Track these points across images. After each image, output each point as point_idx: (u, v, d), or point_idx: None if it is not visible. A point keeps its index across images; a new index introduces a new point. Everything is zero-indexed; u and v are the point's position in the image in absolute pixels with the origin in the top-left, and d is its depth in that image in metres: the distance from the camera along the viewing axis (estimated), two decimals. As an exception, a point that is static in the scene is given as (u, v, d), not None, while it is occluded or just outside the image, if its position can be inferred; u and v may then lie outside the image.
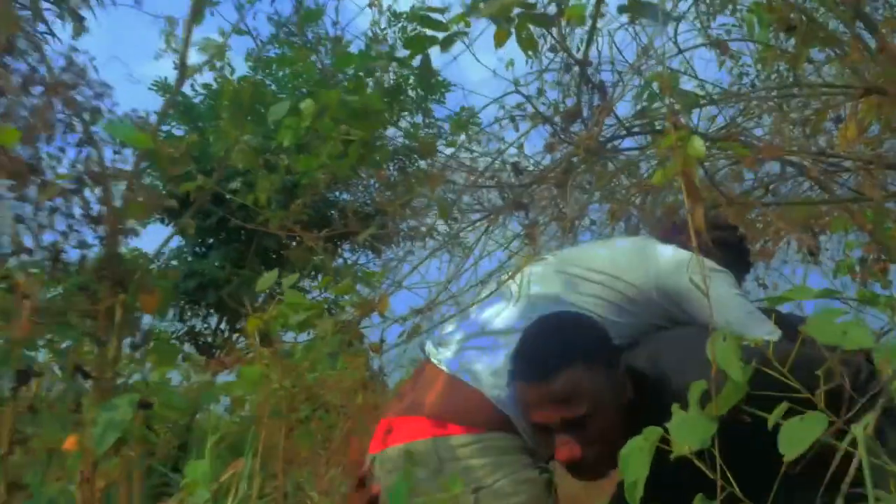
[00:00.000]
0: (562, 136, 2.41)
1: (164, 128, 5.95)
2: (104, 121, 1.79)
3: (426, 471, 1.47)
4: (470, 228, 3.08)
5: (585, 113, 2.74)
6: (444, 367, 1.59)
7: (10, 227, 1.57)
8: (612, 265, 1.66)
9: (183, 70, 1.85)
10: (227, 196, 2.60)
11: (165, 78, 5.82)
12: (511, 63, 2.91)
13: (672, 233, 1.89)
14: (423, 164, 6.53)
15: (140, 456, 2.04)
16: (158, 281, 1.89)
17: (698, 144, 1.38)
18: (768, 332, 1.48)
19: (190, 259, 5.57)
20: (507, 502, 1.45)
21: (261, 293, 2.78)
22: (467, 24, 1.88)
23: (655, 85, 2.85)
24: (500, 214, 2.90)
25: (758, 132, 3.20)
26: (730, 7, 3.00)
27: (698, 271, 1.47)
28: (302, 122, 2.53)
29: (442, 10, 2.21)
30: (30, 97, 1.83)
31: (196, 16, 1.96)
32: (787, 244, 3.59)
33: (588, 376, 1.43)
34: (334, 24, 3.38)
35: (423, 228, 3.77)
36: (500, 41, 2.19)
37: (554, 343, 1.48)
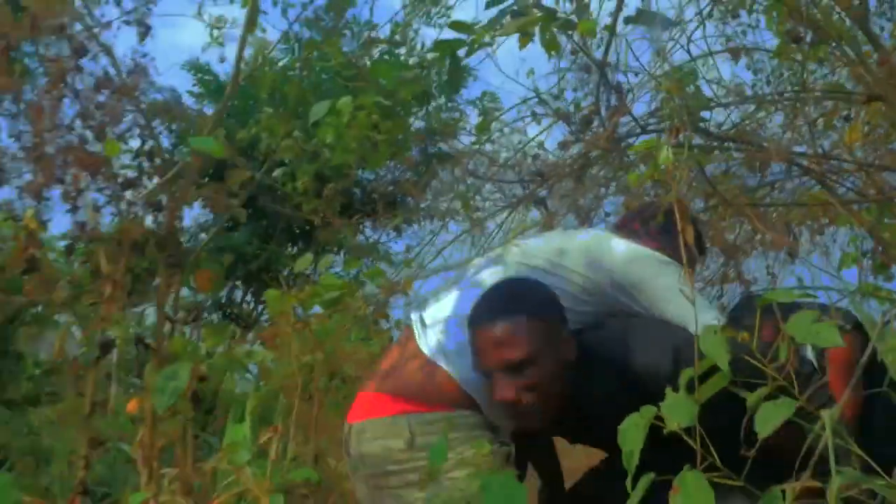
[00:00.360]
0: (578, 136, 2.59)
1: (195, 105, 6.17)
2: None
3: (400, 442, 1.66)
4: (491, 217, 3.27)
5: (603, 112, 2.93)
6: (423, 349, 1.75)
7: (88, 213, 1.78)
8: (569, 258, 1.79)
9: (237, 75, 2.04)
10: (272, 185, 2.81)
11: (197, 59, 6.03)
12: (532, 72, 3.07)
13: (627, 220, 2.02)
14: (444, 146, 6.70)
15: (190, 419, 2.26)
16: (211, 263, 2.11)
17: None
18: (712, 318, 1.59)
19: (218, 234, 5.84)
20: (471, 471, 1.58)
21: (297, 272, 2.99)
22: (491, 38, 2.06)
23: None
24: (520, 204, 3.09)
25: (769, 129, 3.36)
26: (744, 8, 3.14)
27: (649, 264, 1.73)
28: (341, 121, 2.74)
29: (470, 27, 2.40)
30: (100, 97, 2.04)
31: (251, 25, 2.15)
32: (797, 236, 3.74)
33: (529, 325, 1.57)
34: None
35: (444, 208, 3.96)
36: (523, 44, 2.38)
37: (501, 295, 1.67)
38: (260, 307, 6.19)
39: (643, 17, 1.91)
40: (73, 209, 1.75)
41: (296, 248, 6.20)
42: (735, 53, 2.87)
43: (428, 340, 1.74)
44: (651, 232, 1.88)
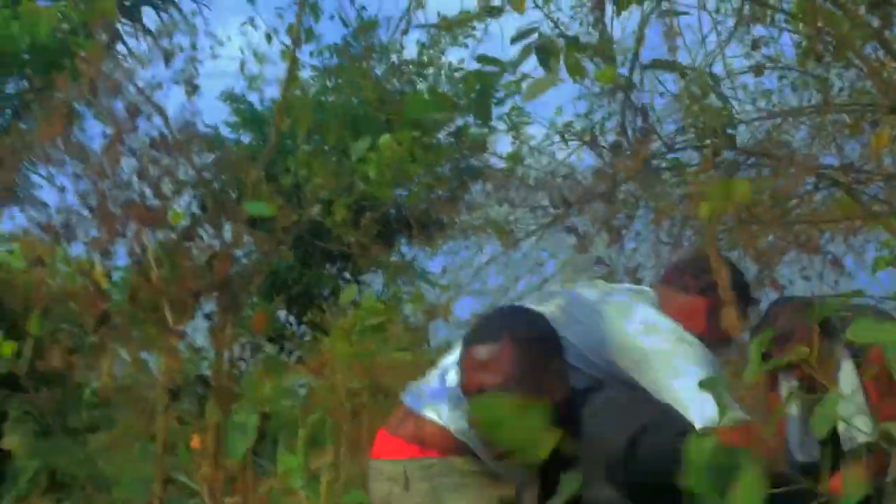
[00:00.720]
0: (607, 161, 2.67)
1: (232, 136, 6.36)
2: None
3: (397, 487, 1.70)
4: (524, 238, 3.36)
5: (629, 132, 3.01)
6: (410, 405, 1.75)
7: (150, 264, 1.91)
8: (589, 316, 1.70)
9: (278, 132, 2.17)
10: (311, 218, 2.95)
11: (233, 89, 6.24)
12: (560, 110, 3.17)
13: (677, 273, 1.88)
14: (475, 161, 6.81)
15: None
16: (264, 303, 2.24)
17: (743, 189, 1.63)
18: (704, 419, 1.45)
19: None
20: None
21: (344, 302, 3.12)
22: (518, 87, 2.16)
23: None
24: (551, 225, 3.18)
25: (796, 139, 3.41)
26: (764, 24, 3.20)
27: (665, 339, 1.61)
28: (381, 156, 2.87)
29: (501, 66, 2.50)
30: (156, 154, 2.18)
31: (292, 74, 2.28)
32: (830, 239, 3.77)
33: (512, 353, 1.48)
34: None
35: (477, 230, 4.07)
36: (551, 82, 2.48)
37: (495, 318, 1.63)
38: (302, 327, 6.37)
39: (661, 65, 1.99)
40: (137, 263, 1.89)
41: (335, 268, 6.36)
42: (758, 71, 2.94)
43: (428, 386, 1.76)
44: (702, 287, 1.76)
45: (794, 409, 2.11)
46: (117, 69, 2.20)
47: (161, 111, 2.18)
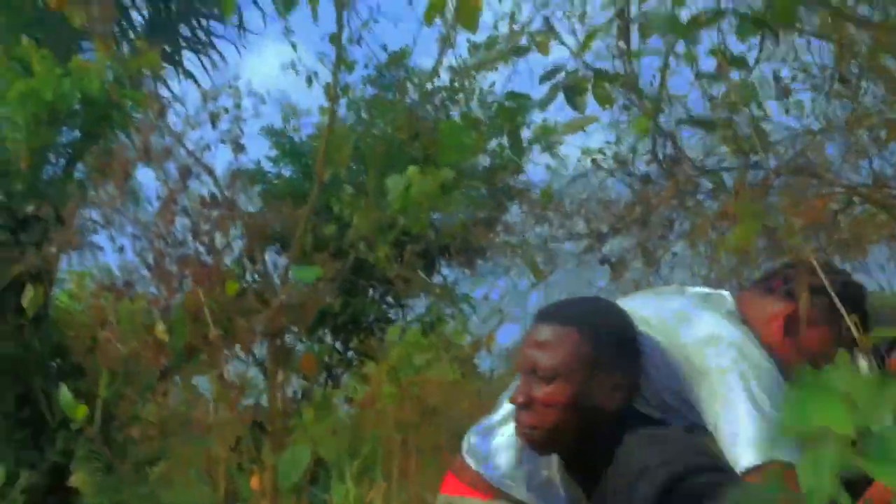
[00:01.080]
0: (638, 190, 2.73)
1: (273, 170, 6.54)
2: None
3: None
4: (556, 269, 3.43)
5: (660, 156, 3.06)
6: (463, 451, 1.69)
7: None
8: (655, 322, 1.55)
9: (321, 182, 2.28)
10: (353, 253, 3.06)
11: (272, 125, 6.43)
12: (587, 153, 3.23)
13: (768, 277, 1.67)
14: (510, 181, 6.89)
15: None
16: (314, 350, 2.35)
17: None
18: (752, 460, 1.31)
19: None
20: None
21: (389, 337, 3.23)
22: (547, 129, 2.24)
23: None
24: (586, 253, 3.25)
25: (826, 156, 3.41)
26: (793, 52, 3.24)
27: (726, 353, 1.42)
28: (410, 192, 2.97)
29: (530, 103, 2.59)
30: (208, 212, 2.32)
31: (331, 126, 2.40)
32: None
33: (577, 342, 1.36)
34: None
35: (514, 242, 4.14)
36: (588, 121, 2.56)
37: (567, 305, 1.49)
38: (349, 353, 6.51)
39: (695, 122, 2.05)
40: (195, 319, 2.01)
41: (378, 293, 6.48)
42: (785, 92, 2.97)
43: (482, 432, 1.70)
44: (787, 290, 1.56)
45: None
46: (168, 133, 2.34)
47: (210, 171, 2.32)
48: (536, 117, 5.04)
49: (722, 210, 3.45)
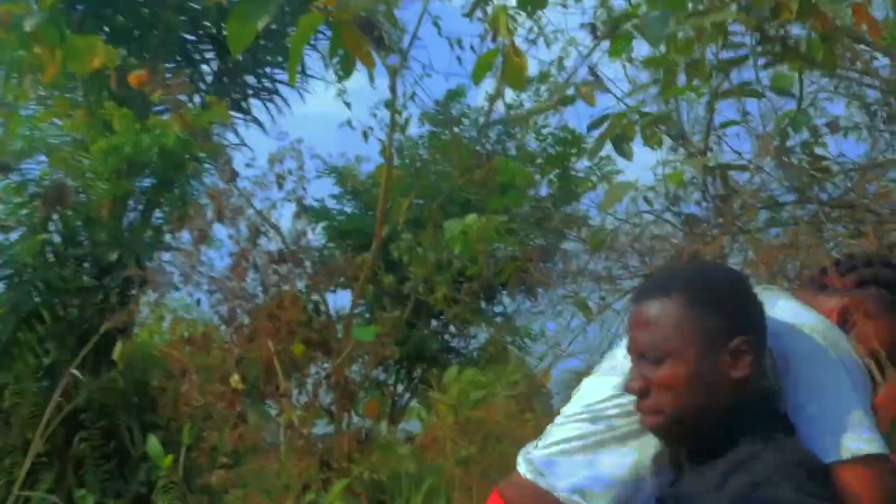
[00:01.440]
0: (688, 231, 2.79)
1: (337, 206, 6.78)
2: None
3: None
4: (617, 298, 3.49)
5: (709, 192, 3.12)
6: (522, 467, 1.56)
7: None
8: None
9: (381, 221, 2.44)
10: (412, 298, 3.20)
11: (336, 163, 6.69)
12: (637, 201, 3.30)
13: (821, 273, 1.59)
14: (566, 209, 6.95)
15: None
16: (376, 395, 2.50)
17: None
18: (854, 448, 1.24)
19: (369, 317, 6.38)
20: None
21: (446, 378, 3.35)
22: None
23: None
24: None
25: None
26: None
27: (807, 339, 1.33)
28: (469, 237, 3.10)
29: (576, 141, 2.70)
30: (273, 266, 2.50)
31: (387, 185, 2.55)
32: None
33: (678, 314, 1.20)
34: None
35: (574, 269, 4.21)
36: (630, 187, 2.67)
37: (664, 275, 1.35)
38: (414, 380, 6.66)
39: (731, 167, 2.13)
40: (266, 369, 2.18)
41: (440, 324, 6.63)
42: (834, 128, 2.99)
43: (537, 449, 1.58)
44: (846, 285, 1.49)
45: None
46: (238, 195, 2.54)
47: (277, 229, 2.51)
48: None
49: (778, 244, 3.47)
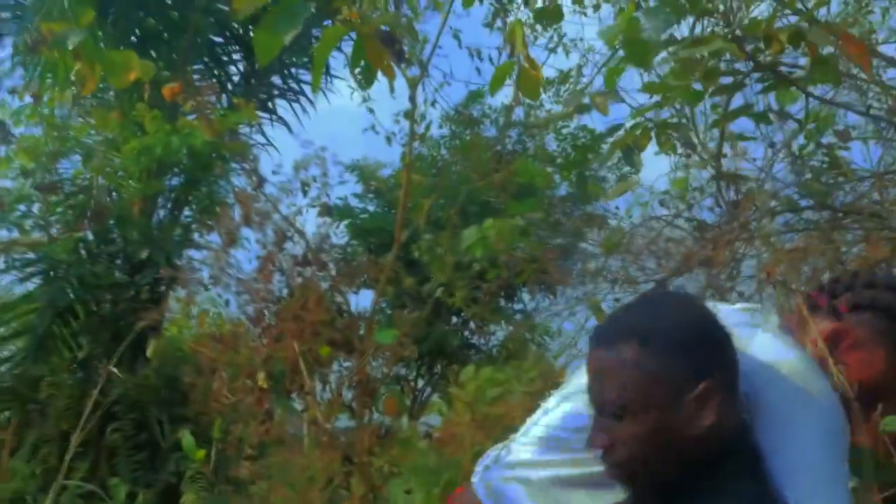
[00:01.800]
0: (700, 236, 2.87)
1: (360, 205, 6.89)
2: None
3: None
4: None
5: (722, 198, 3.19)
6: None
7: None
8: None
9: (401, 225, 2.54)
10: (430, 295, 3.30)
11: (357, 160, 6.80)
12: (652, 203, 3.38)
13: (815, 294, 1.43)
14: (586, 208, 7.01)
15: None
16: (395, 392, 2.61)
17: None
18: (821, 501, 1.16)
19: (390, 313, 6.49)
20: None
21: (464, 376, 3.45)
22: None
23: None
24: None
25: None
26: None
27: (786, 386, 1.21)
28: (488, 240, 3.20)
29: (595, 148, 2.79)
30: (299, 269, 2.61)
31: (407, 193, 2.66)
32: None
33: (635, 362, 1.11)
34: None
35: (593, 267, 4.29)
36: (634, 184, 2.74)
37: (621, 316, 1.21)
38: (435, 375, 6.77)
39: (734, 177, 2.20)
40: (292, 369, 2.30)
41: (460, 320, 6.72)
42: (845, 137, 3.04)
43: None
44: (839, 307, 1.35)
45: None
46: (265, 201, 2.66)
47: (302, 234, 2.62)
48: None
49: (793, 248, 3.53)
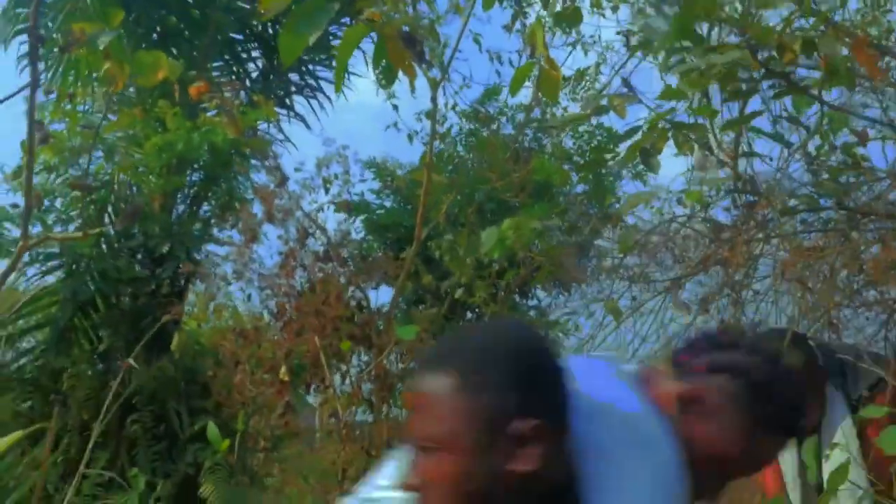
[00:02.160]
0: (717, 236, 2.89)
1: (377, 201, 6.97)
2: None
3: None
4: (650, 298, 3.59)
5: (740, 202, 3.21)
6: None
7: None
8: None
9: (421, 223, 2.59)
10: (448, 291, 3.34)
11: (374, 158, 6.87)
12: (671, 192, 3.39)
13: (681, 350, 1.33)
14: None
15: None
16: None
17: None
18: None
19: (406, 308, 6.56)
20: None
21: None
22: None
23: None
24: (671, 291, 3.41)
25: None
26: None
27: (614, 435, 1.10)
28: (507, 242, 3.23)
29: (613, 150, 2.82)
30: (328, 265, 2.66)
31: (427, 192, 2.70)
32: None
33: (452, 394, 0.99)
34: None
35: (609, 263, 4.32)
36: (650, 196, 2.77)
37: (449, 342, 1.13)
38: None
39: (745, 189, 2.22)
40: (313, 363, 2.35)
41: (475, 316, 6.77)
42: (862, 137, 3.04)
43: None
44: (696, 368, 1.24)
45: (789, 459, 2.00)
46: (287, 198, 2.71)
47: (323, 230, 2.67)
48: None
49: (810, 247, 3.54)
